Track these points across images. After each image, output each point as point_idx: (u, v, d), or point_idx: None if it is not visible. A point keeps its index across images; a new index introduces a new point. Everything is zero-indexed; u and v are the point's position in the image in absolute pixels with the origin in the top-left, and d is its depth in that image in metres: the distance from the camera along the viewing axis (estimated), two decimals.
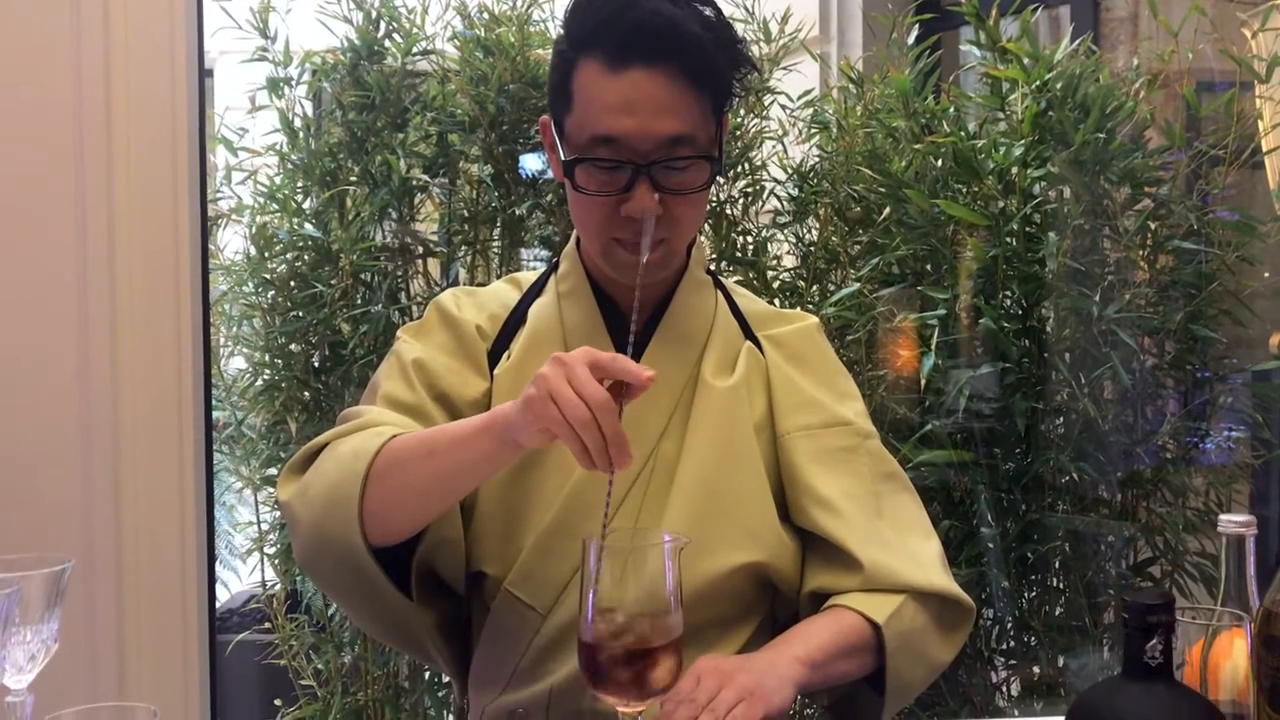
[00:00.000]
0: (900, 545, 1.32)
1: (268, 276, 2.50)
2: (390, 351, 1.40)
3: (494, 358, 1.38)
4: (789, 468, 1.35)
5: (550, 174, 2.46)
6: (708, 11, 1.27)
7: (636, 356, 1.35)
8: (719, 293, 1.44)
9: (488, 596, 1.35)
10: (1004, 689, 2.45)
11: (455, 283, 2.57)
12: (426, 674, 2.51)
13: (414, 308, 2.50)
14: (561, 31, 1.31)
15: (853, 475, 1.35)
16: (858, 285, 2.36)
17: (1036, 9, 2.39)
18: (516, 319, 1.40)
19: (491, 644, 1.35)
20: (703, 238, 2.51)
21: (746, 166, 2.54)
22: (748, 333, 1.42)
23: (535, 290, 1.43)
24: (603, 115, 1.24)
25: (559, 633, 1.30)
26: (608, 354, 1.10)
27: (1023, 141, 2.29)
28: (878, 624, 1.25)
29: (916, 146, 2.37)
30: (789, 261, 2.59)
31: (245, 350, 2.60)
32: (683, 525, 1.26)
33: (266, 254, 2.50)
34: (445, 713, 2.51)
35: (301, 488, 1.26)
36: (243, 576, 3.10)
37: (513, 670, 1.33)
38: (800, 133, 2.59)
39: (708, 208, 2.47)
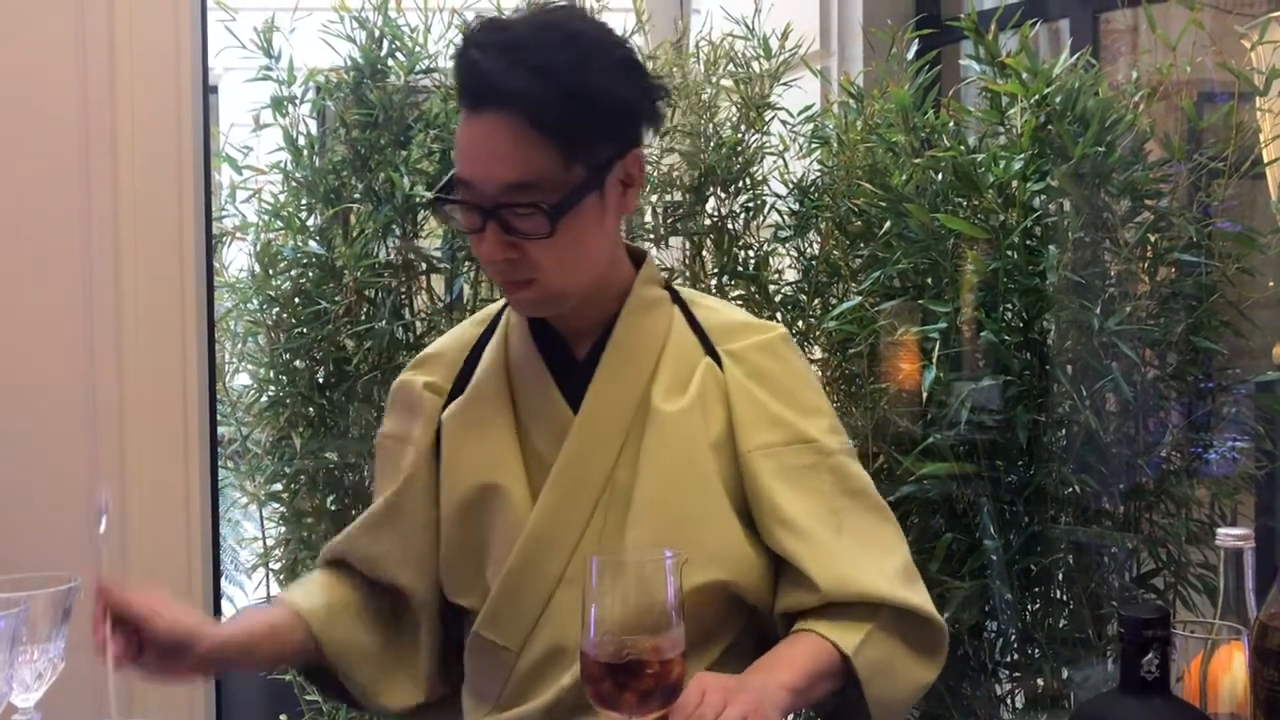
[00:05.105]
0: (857, 559, 1.30)
1: (272, 293, 2.51)
2: None
3: (451, 402, 1.40)
4: (753, 488, 1.32)
5: None
6: (560, 60, 1.23)
7: (584, 383, 1.34)
8: (676, 308, 1.40)
9: (468, 625, 1.39)
10: (1008, 701, 2.44)
11: (459, 298, 2.58)
12: None
13: (417, 323, 2.51)
14: None
15: (814, 494, 1.32)
16: (859, 299, 2.37)
17: (1035, 23, 2.39)
18: (475, 358, 1.41)
19: (473, 675, 1.39)
20: (705, 253, 2.55)
21: (748, 181, 2.55)
22: (708, 348, 1.38)
23: (494, 324, 1.44)
24: (458, 158, 1.28)
25: (534, 667, 1.31)
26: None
27: (1022, 155, 2.30)
28: (847, 655, 1.25)
29: (916, 161, 2.38)
30: (790, 275, 2.60)
31: (250, 366, 2.61)
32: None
33: (271, 271, 2.51)
34: None
35: None
36: (248, 592, 3.10)
37: (496, 698, 1.36)
38: (801, 147, 2.59)
39: (700, 225, 2.49)
